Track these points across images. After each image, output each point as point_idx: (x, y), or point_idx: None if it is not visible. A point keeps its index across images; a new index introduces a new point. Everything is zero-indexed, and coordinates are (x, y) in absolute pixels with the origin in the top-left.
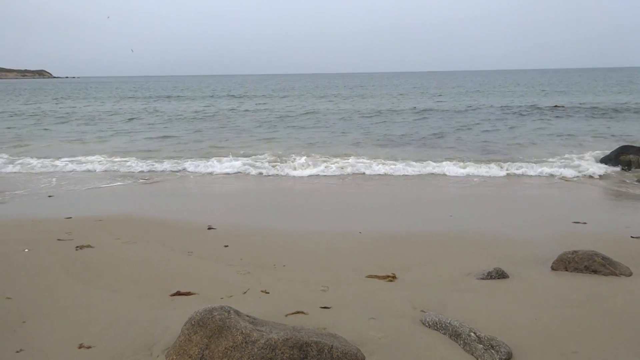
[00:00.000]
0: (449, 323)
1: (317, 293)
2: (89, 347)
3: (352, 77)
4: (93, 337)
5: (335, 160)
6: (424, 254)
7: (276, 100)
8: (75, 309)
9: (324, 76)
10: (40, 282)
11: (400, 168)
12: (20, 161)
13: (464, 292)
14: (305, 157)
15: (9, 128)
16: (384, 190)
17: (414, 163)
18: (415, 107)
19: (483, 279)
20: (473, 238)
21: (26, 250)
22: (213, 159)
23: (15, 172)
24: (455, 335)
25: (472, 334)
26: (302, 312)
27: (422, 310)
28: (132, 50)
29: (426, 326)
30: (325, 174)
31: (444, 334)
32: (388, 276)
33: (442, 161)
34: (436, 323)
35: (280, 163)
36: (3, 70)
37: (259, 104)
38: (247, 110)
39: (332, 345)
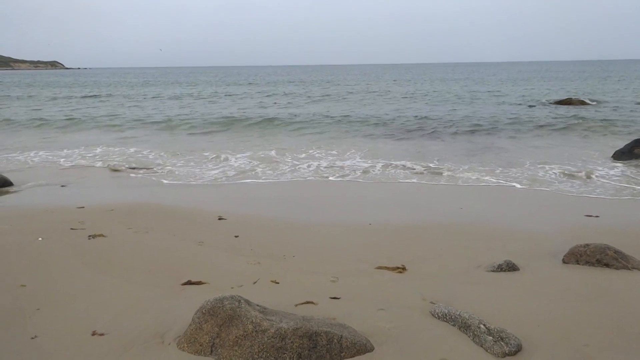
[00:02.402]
0: (459, 315)
1: (326, 284)
2: (102, 335)
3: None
4: (106, 324)
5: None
6: (433, 246)
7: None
8: (88, 297)
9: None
10: (54, 270)
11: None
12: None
13: (474, 284)
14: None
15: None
16: (394, 182)
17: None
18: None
19: (493, 271)
20: (483, 230)
21: (40, 239)
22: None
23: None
24: (464, 326)
25: (482, 326)
26: (312, 303)
27: (431, 302)
28: (160, 50)
29: (435, 317)
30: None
31: (454, 325)
32: (397, 268)
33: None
34: (445, 315)
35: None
36: (16, 61)
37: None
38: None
39: (341, 335)
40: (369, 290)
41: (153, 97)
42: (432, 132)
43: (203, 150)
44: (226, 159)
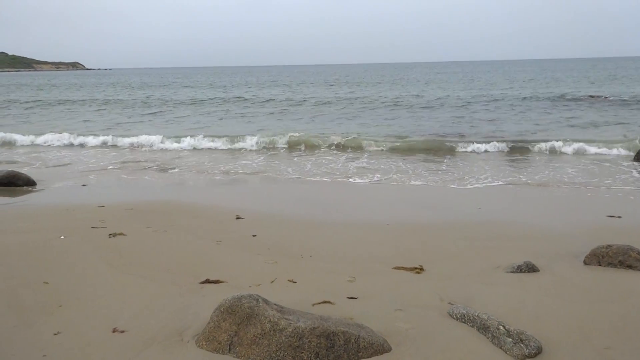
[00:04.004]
0: (477, 316)
1: (344, 283)
2: (122, 332)
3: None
4: (126, 321)
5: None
6: (451, 247)
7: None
8: (109, 295)
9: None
10: (76, 268)
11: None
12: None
13: (493, 285)
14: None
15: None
16: (411, 181)
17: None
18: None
19: (512, 272)
20: (502, 231)
21: (62, 237)
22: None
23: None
24: (483, 328)
25: (501, 327)
26: (329, 302)
27: (449, 303)
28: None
29: (454, 318)
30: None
31: (472, 326)
32: (415, 268)
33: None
34: (464, 315)
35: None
36: (39, 62)
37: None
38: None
39: (359, 335)
40: (386, 291)
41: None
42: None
43: None
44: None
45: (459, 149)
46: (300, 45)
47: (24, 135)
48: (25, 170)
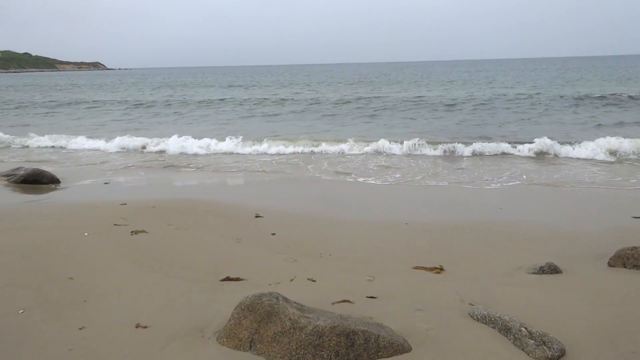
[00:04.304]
0: (499, 317)
1: (363, 283)
2: (145, 327)
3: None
4: (148, 317)
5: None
6: (472, 247)
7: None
8: (132, 291)
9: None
10: (99, 264)
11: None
12: None
13: (514, 286)
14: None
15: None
16: (431, 181)
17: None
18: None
19: (534, 273)
20: (524, 231)
21: (86, 234)
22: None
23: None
24: (505, 329)
25: (523, 329)
26: (349, 301)
27: (470, 304)
28: None
29: (474, 319)
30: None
31: (493, 328)
32: (435, 268)
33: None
34: (485, 317)
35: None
36: (61, 62)
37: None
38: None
39: (378, 335)
40: (406, 290)
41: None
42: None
43: None
44: None
45: (480, 149)
46: (319, 43)
47: (45, 135)
48: (50, 169)
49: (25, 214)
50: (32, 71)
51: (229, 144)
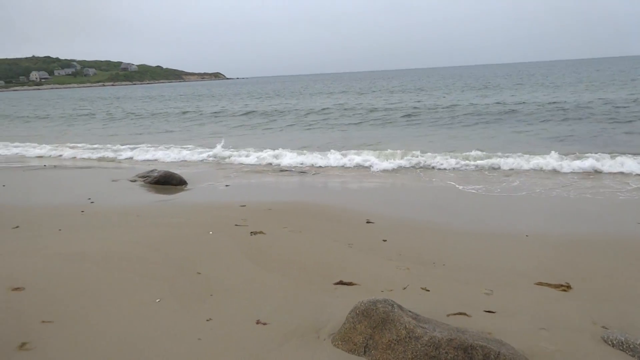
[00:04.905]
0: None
1: (480, 296)
2: (264, 324)
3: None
4: (267, 314)
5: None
6: (604, 264)
7: None
8: (252, 288)
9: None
10: (223, 261)
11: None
12: None
13: None
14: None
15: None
16: (554, 189)
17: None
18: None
19: None
20: None
21: (210, 232)
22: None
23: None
24: None
25: None
26: (465, 314)
27: (603, 327)
28: None
29: (609, 345)
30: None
31: (632, 356)
32: (561, 285)
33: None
34: (622, 343)
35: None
36: (187, 73)
37: None
38: None
39: (499, 352)
40: (528, 307)
41: None
42: None
43: None
44: None
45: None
46: (432, 47)
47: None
48: (178, 171)
49: (158, 211)
50: (162, 82)
51: (346, 158)
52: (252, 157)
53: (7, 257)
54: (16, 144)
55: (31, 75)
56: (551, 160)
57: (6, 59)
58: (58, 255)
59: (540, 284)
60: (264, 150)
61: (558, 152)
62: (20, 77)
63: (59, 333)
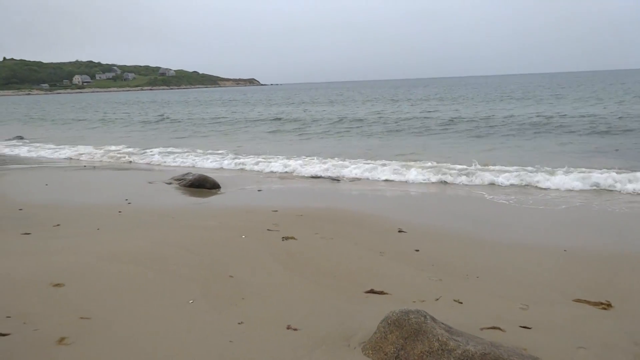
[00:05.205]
0: None
1: (515, 310)
2: (295, 329)
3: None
4: (298, 320)
5: None
6: None
7: None
8: (283, 293)
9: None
10: (255, 265)
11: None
12: None
13: None
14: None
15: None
16: (594, 202)
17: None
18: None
19: None
20: None
21: (243, 236)
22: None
23: None
24: None
25: None
26: (499, 329)
27: None
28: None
29: None
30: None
31: None
32: (601, 303)
33: None
34: None
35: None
36: (222, 79)
37: None
38: None
39: None
40: (565, 324)
41: None
42: None
43: None
44: None
45: None
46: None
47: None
48: (212, 175)
49: (192, 214)
50: (198, 87)
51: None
52: (282, 164)
53: (48, 254)
54: (62, 145)
55: (74, 79)
56: (597, 176)
57: (51, 63)
58: (96, 254)
59: (578, 300)
60: (294, 158)
61: (603, 166)
62: (64, 80)
63: (96, 330)
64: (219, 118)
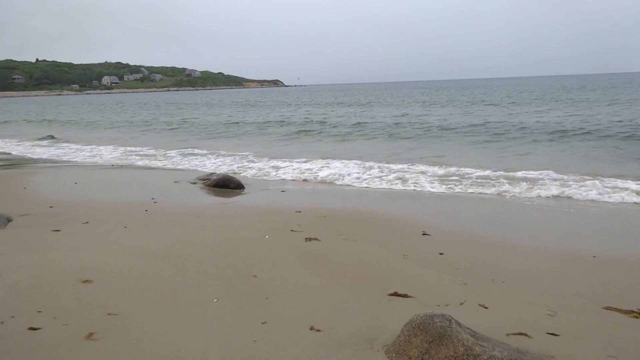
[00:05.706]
0: None
1: (542, 317)
2: (318, 330)
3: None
4: (321, 321)
5: None
6: None
7: None
8: (306, 294)
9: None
10: (278, 265)
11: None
12: None
13: None
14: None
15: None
16: (625, 209)
17: None
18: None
19: None
20: None
21: (267, 237)
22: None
23: None
24: None
25: None
26: (526, 335)
27: None
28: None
29: None
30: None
31: None
32: (633, 312)
33: None
34: None
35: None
36: (247, 80)
37: None
38: None
39: None
40: (594, 332)
41: None
42: None
43: None
44: None
45: None
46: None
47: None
48: (236, 175)
49: (217, 213)
50: (223, 88)
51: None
52: (300, 166)
53: (77, 250)
54: (92, 146)
55: (103, 80)
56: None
57: (81, 65)
58: (123, 251)
59: (608, 308)
60: (313, 161)
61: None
62: (94, 81)
63: (123, 326)
64: (245, 119)
